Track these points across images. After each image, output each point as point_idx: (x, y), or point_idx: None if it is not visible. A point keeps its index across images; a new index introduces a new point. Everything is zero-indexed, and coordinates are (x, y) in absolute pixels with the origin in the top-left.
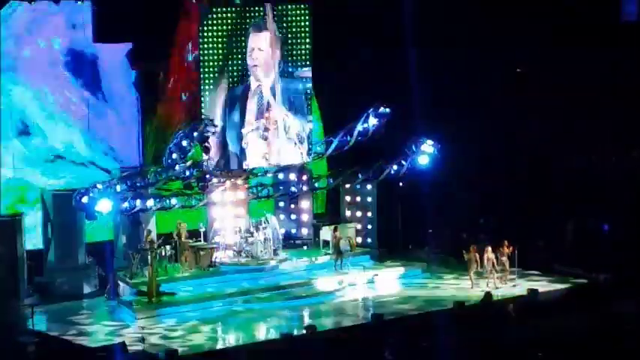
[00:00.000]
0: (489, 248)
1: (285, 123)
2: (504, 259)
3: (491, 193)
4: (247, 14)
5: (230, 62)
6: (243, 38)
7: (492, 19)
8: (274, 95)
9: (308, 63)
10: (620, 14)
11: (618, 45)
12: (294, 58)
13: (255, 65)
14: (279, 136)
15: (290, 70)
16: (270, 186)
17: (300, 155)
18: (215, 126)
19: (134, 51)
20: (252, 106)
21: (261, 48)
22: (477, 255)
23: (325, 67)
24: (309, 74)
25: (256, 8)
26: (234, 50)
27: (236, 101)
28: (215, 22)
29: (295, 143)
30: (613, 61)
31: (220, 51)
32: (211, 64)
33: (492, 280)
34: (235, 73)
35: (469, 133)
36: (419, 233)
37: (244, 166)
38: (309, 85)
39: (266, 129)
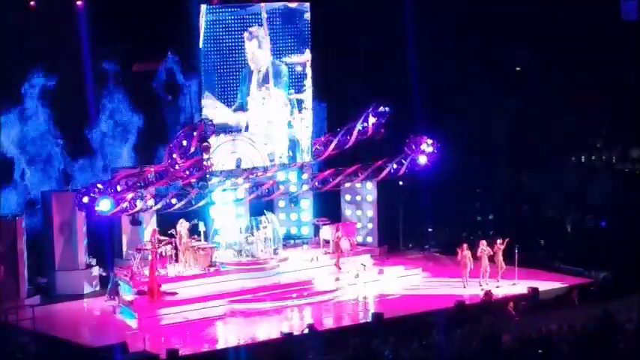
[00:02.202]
0: (484, 242)
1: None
2: (499, 256)
3: (490, 192)
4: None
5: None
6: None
7: (492, 17)
8: (270, 76)
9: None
10: (620, 13)
11: (618, 44)
12: (292, 56)
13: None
14: (274, 103)
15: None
16: (270, 185)
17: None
18: (214, 126)
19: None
20: (254, 81)
21: (255, 52)
22: (470, 253)
23: (325, 66)
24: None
25: (253, 14)
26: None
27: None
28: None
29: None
30: (613, 60)
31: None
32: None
33: (486, 277)
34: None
35: (468, 131)
36: (419, 232)
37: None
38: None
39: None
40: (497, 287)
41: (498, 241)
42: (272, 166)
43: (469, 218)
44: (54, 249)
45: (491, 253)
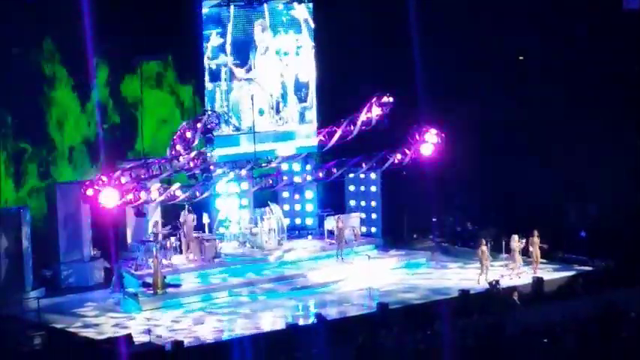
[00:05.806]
0: (516, 237)
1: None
2: (536, 249)
3: (494, 183)
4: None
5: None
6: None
7: (494, 6)
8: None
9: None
10: (622, 2)
11: (620, 33)
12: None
13: None
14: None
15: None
16: (274, 176)
17: None
18: (218, 117)
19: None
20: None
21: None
22: (487, 248)
23: (328, 56)
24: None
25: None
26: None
27: None
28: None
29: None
30: (615, 49)
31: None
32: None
33: (517, 270)
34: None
35: (473, 121)
36: (423, 222)
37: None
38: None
39: None
40: (502, 276)
41: (535, 233)
42: (276, 157)
43: (473, 209)
44: (59, 241)
45: (522, 247)
